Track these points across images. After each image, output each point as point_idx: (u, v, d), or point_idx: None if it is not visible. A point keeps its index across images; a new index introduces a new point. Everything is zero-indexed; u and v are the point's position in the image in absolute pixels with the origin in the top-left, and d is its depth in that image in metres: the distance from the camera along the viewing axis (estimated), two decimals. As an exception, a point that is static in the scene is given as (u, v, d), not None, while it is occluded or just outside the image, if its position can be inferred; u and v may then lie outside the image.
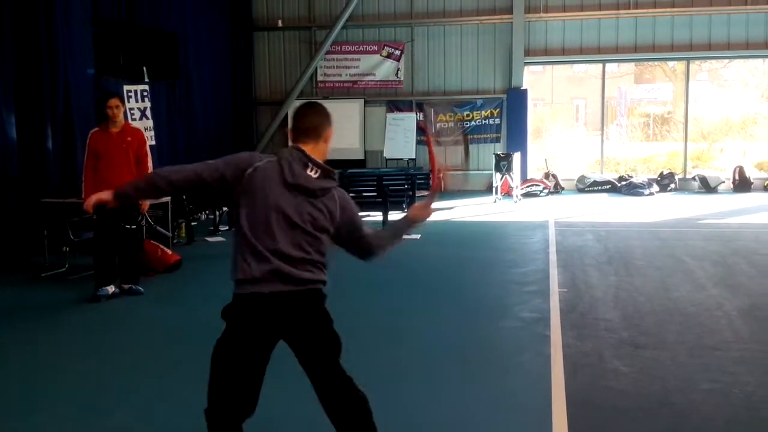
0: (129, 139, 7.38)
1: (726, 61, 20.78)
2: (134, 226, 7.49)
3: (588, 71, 24.93)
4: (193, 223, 11.23)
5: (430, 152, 3.77)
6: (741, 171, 17.03)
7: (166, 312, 7.04)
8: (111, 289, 7.35)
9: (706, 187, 16.95)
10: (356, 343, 4.67)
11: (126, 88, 12.18)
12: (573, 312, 6.68)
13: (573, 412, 4.37)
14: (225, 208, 11.97)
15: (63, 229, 8.52)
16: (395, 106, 17.97)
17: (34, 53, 9.83)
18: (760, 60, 19.16)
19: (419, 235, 11.10)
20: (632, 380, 4.93)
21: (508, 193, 16.08)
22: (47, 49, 10.01)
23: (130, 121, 11.44)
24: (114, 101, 7.32)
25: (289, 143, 3.35)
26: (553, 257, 9.26)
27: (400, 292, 7.64)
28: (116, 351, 5.78)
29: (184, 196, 10.65)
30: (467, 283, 8.01)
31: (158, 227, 9.51)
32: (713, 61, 20.82)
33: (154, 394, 4.83)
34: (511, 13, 17.17)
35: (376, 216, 11.25)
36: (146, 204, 7.59)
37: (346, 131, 17.63)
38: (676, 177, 17.40)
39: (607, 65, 18.51)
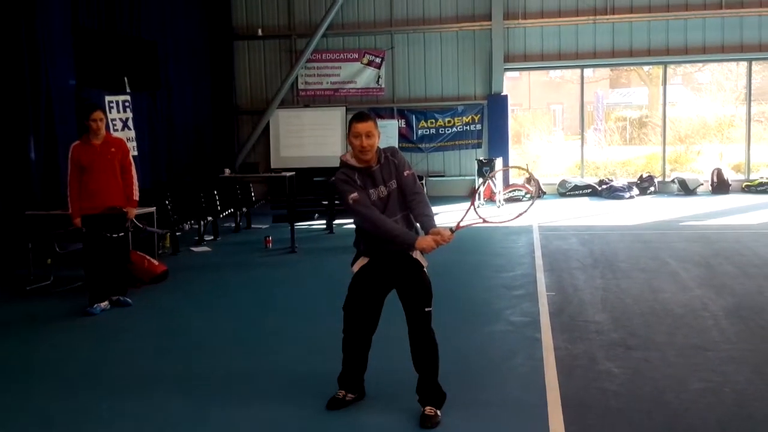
0: (113, 150, 7.35)
1: (700, 64, 21.05)
2: (121, 234, 7.43)
3: (564, 76, 25.21)
4: (177, 233, 11.17)
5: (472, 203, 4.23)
6: (719, 173, 17.25)
7: (155, 323, 7.01)
8: (103, 304, 7.33)
9: (685, 189, 17.16)
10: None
11: (107, 98, 12.15)
12: (562, 315, 6.74)
13: (569, 413, 4.41)
14: (210, 218, 11.93)
15: (48, 242, 8.46)
16: (377, 113, 18.00)
17: (16, 64, 9.77)
18: (734, 63, 19.44)
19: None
20: (625, 381, 4.99)
21: (490, 198, 16.17)
22: (28, 61, 9.95)
23: (112, 131, 11.42)
24: (98, 114, 7.29)
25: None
26: (539, 261, 9.34)
27: (389, 299, 7.64)
28: (104, 364, 5.75)
29: (169, 207, 10.60)
30: (456, 287, 8.03)
31: (150, 229, 9.48)
32: (687, 65, 21.10)
33: (142, 408, 4.81)
34: (490, 19, 17.30)
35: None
36: (133, 212, 7.55)
37: (328, 139, 17.69)
38: (656, 180, 17.59)
39: (584, 70, 18.68)
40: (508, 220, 4.74)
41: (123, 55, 12.95)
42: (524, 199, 16.71)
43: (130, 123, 12.75)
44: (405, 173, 4.42)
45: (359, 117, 4.38)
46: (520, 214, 4.78)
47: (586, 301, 7.23)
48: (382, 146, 4.53)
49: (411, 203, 4.42)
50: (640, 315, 6.68)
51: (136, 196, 7.55)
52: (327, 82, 18.22)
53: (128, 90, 12.89)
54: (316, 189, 14.55)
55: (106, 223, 7.25)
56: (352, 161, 4.40)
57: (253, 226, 13.32)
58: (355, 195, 4.27)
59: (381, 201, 4.36)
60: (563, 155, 22.16)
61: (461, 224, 4.35)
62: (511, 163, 17.80)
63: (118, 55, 12.80)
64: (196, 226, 11.89)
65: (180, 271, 9.32)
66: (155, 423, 4.52)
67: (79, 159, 7.23)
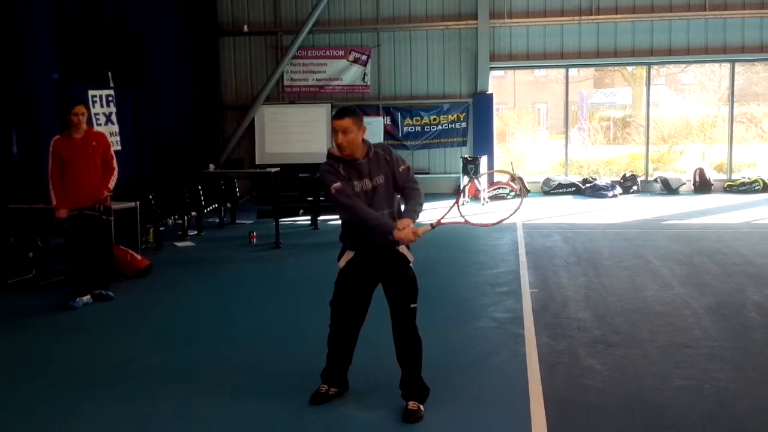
0: (94, 144, 7.30)
1: (683, 65, 21.19)
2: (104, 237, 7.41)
3: (549, 76, 25.29)
4: (161, 228, 11.11)
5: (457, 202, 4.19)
6: (701, 173, 17.39)
7: (137, 318, 6.97)
8: (85, 298, 7.30)
9: (668, 188, 17.28)
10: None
11: (91, 93, 12.06)
12: (545, 312, 6.77)
13: (551, 410, 4.43)
14: (194, 213, 11.88)
15: (30, 235, 8.39)
16: (362, 110, 17.90)
17: (-2, 58, 9.69)
18: (717, 64, 19.59)
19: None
20: (607, 378, 5.02)
21: (475, 195, 16.21)
22: (11, 54, 9.85)
23: (95, 126, 11.33)
24: (80, 108, 7.22)
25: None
26: (523, 258, 9.37)
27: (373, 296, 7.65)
28: (87, 358, 5.72)
29: (153, 201, 10.54)
30: (440, 284, 8.03)
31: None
32: (671, 66, 21.23)
33: (125, 403, 4.79)
34: (476, 18, 17.33)
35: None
36: (104, 194, 7.38)
37: (313, 135, 17.66)
38: (639, 179, 17.70)
39: (569, 70, 18.74)
40: (490, 224, 4.76)
41: (107, 48, 12.83)
42: (509, 197, 16.77)
43: (114, 117, 12.66)
44: (400, 168, 4.48)
45: (336, 114, 4.41)
46: (502, 220, 4.78)
47: (569, 298, 7.27)
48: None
49: (404, 192, 4.50)
50: (623, 312, 6.72)
51: (111, 185, 7.44)
52: (312, 79, 18.18)
53: (112, 85, 12.79)
54: (301, 185, 14.51)
55: (86, 225, 7.23)
56: (338, 153, 4.41)
57: (237, 221, 13.27)
58: (337, 185, 4.29)
59: (365, 194, 4.37)
60: (547, 154, 22.24)
61: (442, 221, 4.39)
62: (495, 161, 17.90)
63: (103, 48, 12.69)
64: (180, 221, 11.83)
65: (163, 265, 9.28)
66: (139, 418, 4.50)
67: (59, 153, 7.17)
